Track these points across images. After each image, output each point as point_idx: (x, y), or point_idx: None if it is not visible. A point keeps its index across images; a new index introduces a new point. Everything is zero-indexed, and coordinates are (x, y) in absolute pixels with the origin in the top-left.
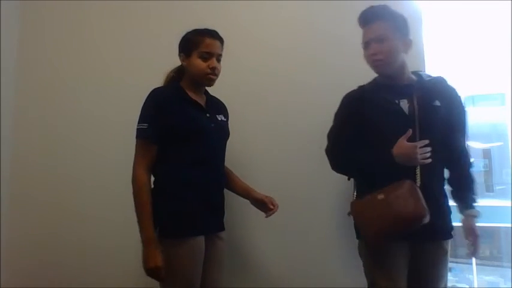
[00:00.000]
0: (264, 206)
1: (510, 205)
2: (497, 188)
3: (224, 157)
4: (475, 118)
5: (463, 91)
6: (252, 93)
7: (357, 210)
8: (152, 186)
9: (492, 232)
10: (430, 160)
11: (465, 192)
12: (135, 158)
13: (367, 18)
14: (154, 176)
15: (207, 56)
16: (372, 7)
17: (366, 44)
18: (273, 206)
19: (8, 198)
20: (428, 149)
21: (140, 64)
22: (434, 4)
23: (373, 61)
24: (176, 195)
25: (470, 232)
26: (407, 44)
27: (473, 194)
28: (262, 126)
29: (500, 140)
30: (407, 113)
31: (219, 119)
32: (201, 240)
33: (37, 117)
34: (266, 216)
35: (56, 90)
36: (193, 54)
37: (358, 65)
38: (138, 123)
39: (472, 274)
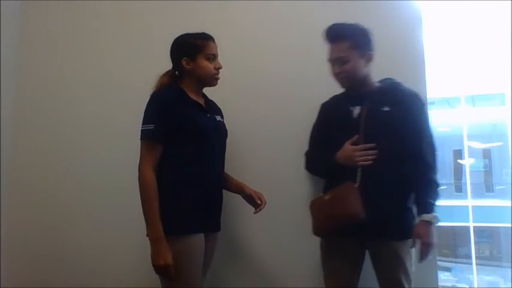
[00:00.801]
0: (253, 202)
1: (510, 205)
2: (497, 188)
3: (224, 157)
4: (475, 118)
5: (463, 91)
6: (250, 92)
7: (311, 208)
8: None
9: (492, 232)
10: (370, 162)
11: (421, 196)
12: (141, 158)
13: (330, 37)
14: (162, 167)
15: (213, 58)
16: (335, 25)
17: (330, 62)
18: (261, 201)
19: (8, 198)
20: (371, 152)
21: (140, 64)
22: (434, 4)
23: (337, 79)
24: (178, 194)
25: (420, 237)
26: (369, 58)
27: (430, 198)
28: (259, 125)
29: (500, 140)
30: (355, 119)
31: (218, 119)
32: (201, 237)
33: (37, 117)
34: (254, 212)
35: (56, 90)
36: (199, 58)
37: None
38: (143, 124)
39: (472, 274)
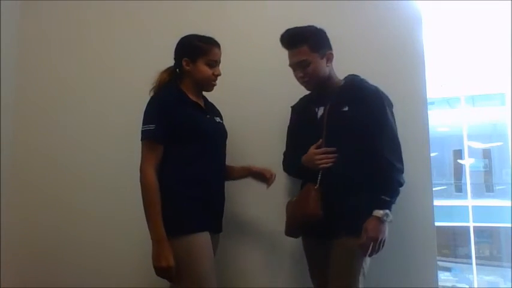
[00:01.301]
0: (263, 177)
1: (510, 205)
2: (497, 188)
3: (225, 157)
4: (475, 118)
5: (463, 91)
6: (247, 92)
7: (286, 210)
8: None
9: (492, 232)
10: (329, 165)
11: (377, 192)
12: (142, 158)
13: (288, 42)
14: (163, 167)
15: (214, 64)
16: (290, 30)
17: (292, 67)
18: (270, 175)
19: (8, 198)
20: (331, 155)
21: (140, 64)
22: (434, 4)
23: (302, 82)
24: (179, 195)
25: (366, 232)
26: (329, 57)
27: (385, 195)
28: (258, 124)
29: (500, 140)
30: (319, 120)
31: (217, 120)
32: (205, 235)
33: (37, 117)
34: (267, 187)
35: (56, 90)
36: (200, 61)
37: (353, 63)
38: (144, 124)
39: (472, 274)
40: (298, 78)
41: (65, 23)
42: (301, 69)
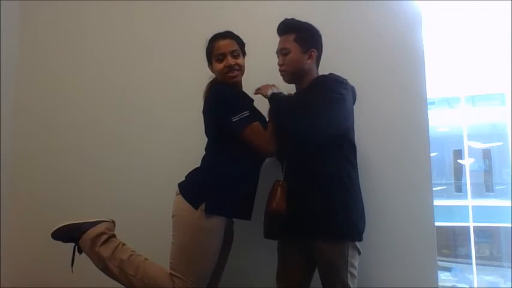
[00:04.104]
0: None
1: (510, 205)
2: (497, 188)
3: None
4: (475, 118)
5: (463, 91)
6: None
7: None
8: (212, 161)
9: (492, 232)
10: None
11: None
12: (255, 141)
13: (280, 29)
14: (220, 155)
15: (221, 57)
16: (285, 19)
17: (277, 54)
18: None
19: (9, 199)
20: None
21: (138, 65)
22: (434, 4)
23: (280, 71)
24: (234, 180)
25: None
26: (311, 55)
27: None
28: None
29: (500, 140)
30: None
31: None
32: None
33: (37, 116)
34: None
35: (55, 91)
36: (212, 60)
37: (353, 63)
38: (235, 115)
39: (472, 274)
40: (278, 66)
41: (65, 24)
42: (282, 56)
